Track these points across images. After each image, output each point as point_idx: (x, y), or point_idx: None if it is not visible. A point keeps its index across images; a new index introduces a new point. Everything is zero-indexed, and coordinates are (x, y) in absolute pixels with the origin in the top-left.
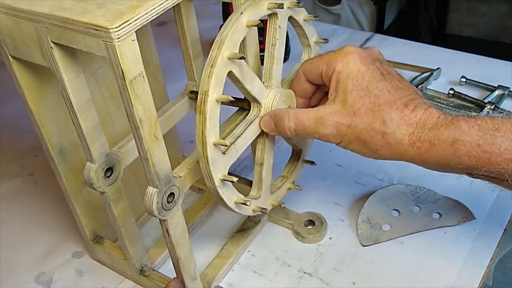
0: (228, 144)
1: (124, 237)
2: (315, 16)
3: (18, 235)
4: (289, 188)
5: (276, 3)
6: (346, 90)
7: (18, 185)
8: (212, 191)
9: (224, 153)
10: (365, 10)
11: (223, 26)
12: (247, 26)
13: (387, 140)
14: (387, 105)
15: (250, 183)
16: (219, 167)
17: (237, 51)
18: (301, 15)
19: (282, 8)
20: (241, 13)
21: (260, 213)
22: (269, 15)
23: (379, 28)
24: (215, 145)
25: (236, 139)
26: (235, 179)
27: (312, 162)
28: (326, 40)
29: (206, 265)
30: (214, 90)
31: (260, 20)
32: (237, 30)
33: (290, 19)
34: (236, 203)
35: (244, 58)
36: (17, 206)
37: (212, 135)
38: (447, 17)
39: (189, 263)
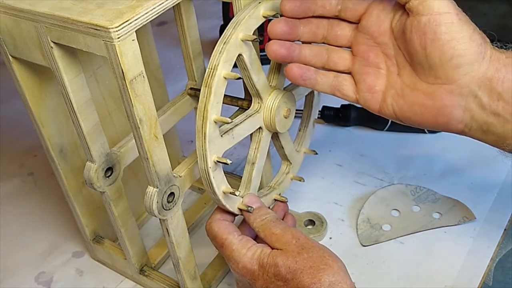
0: (230, 121)
1: (124, 237)
2: None
3: (18, 235)
4: (275, 199)
5: None
6: None
7: (18, 185)
8: (203, 173)
9: (222, 136)
10: None
11: (240, 11)
12: (264, 17)
13: None
14: None
15: None
16: (215, 147)
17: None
18: None
19: None
20: (259, 2)
21: (247, 212)
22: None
23: None
24: (215, 122)
25: (235, 126)
26: (229, 161)
27: (300, 178)
28: None
29: (206, 265)
30: (224, 66)
31: (263, 17)
32: (254, 16)
33: None
34: (224, 192)
35: (257, 41)
36: (17, 206)
37: (214, 111)
38: None
39: (189, 262)
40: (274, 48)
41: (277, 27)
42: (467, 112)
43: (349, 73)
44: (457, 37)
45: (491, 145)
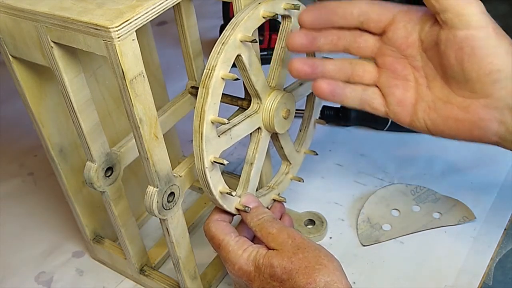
0: (226, 121)
1: (124, 237)
2: None
3: (18, 235)
4: (274, 200)
5: (292, 4)
6: None
7: (18, 185)
8: (200, 173)
9: (219, 136)
10: None
11: (239, 11)
12: (263, 17)
13: None
14: None
15: None
16: (212, 147)
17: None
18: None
19: (298, 9)
20: (259, 3)
21: (244, 212)
22: (283, 17)
23: None
24: (212, 122)
25: (232, 127)
26: (225, 162)
27: (300, 179)
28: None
29: (206, 265)
30: (221, 67)
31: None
32: (253, 17)
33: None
34: (221, 192)
35: (256, 41)
36: (17, 206)
37: (211, 112)
38: None
39: (189, 262)
40: (297, 66)
41: (296, 40)
42: (503, 125)
43: (375, 85)
44: (495, 52)
45: None
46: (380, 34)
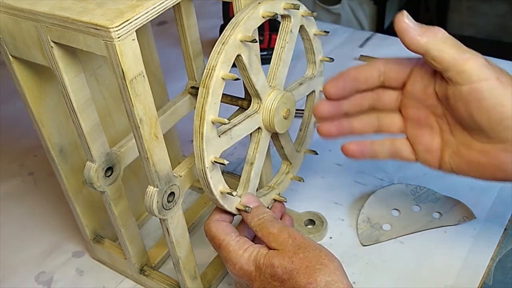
0: (227, 121)
1: (124, 237)
2: (312, 12)
3: (18, 235)
4: (274, 199)
5: (292, 4)
6: None
7: (18, 185)
8: (200, 173)
9: (219, 136)
10: (365, 9)
11: (239, 11)
12: (263, 17)
13: None
14: None
15: None
16: (212, 147)
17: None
18: (313, 28)
19: (298, 9)
20: (259, 3)
21: (244, 212)
22: (283, 16)
23: (379, 27)
24: (213, 122)
25: (233, 127)
26: (226, 162)
27: (300, 178)
28: (331, 59)
29: (206, 265)
30: (222, 67)
31: (262, 17)
32: (253, 16)
33: (302, 29)
34: (222, 192)
35: (256, 41)
36: (17, 206)
37: (212, 112)
38: (447, 16)
39: (189, 262)
40: (325, 130)
41: (322, 109)
42: None
43: (403, 133)
44: (502, 100)
45: None
46: (401, 88)
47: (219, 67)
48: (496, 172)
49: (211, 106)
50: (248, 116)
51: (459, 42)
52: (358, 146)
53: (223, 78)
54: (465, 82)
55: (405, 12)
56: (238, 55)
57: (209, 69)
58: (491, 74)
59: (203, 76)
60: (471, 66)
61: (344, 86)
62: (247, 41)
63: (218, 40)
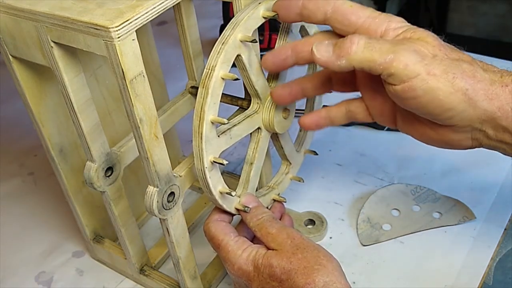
0: (226, 121)
1: (124, 237)
2: None
3: (18, 235)
4: (273, 199)
5: None
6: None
7: (18, 185)
8: (199, 173)
9: (219, 136)
10: None
11: (239, 11)
12: (263, 17)
13: None
14: None
15: None
16: (211, 147)
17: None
18: (313, 28)
19: None
20: (259, 3)
21: (243, 212)
22: None
23: None
24: (212, 122)
25: (232, 127)
26: (225, 162)
27: (300, 179)
28: None
29: (206, 265)
30: (221, 67)
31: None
32: (253, 16)
33: (302, 29)
34: (221, 192)
35: (256, 42)
36: (17, 206)
37: (211, 112)
38: (447, 16)
39: (189, 262)
40: (277, 94)
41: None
42: (475, 140)
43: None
44: (437, 94)
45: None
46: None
47: (218, 67)
48: (448, 145)
49: (211, 106)
50: (248, 116)
51: (380, 38)
52: (313, 118)
53: (222, 78)
54: (397, 81)
55: (313, 46)
56: (238, 55)
57: (209, 69)
58: (420, 69)
59: (203, 76)
60: (397, 67)
61: (284, 61)
62: (247, 41)
63: (218, 40)
